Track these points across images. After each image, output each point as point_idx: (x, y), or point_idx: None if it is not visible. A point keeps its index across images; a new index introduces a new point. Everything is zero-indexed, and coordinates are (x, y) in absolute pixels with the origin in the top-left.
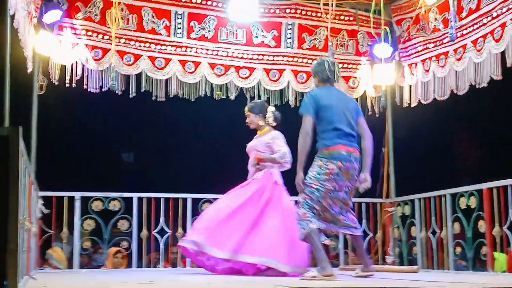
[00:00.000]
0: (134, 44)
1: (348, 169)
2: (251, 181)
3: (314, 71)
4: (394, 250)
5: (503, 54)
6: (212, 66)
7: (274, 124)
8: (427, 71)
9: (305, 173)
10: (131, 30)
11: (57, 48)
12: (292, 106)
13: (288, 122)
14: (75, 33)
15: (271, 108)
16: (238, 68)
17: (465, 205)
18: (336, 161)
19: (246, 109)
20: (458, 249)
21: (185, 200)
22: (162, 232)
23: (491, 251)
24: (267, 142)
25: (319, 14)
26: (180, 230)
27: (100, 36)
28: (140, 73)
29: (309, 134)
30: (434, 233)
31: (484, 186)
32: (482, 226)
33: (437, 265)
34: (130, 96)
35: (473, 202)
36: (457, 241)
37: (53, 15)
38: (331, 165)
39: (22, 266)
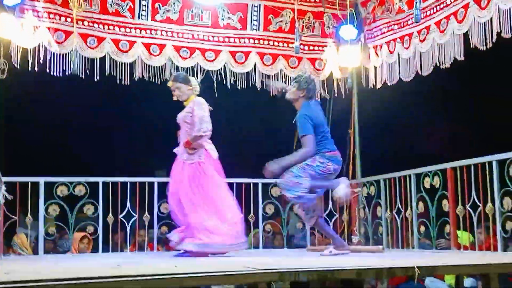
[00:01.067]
0: (98, 27)
1: (336, 171)
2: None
3: (303, 87)
4: (360, 230)
5: (466, 35)
6: (178, 48)
7: (198, 93)
8: (392, 52)
9: None
10: (94, 13)
11: (19, 31)
12: (258, 89)
13: (255, 105)
14: (37, 16)
15: (192, 77)
16: (204, 51)
17: (429, 185)
18: (334, 163)
19: (173, 81)
20: (422, 228)
21: (151, 183)
22: (128, 216)
23: (455, 230)
24: (191, 110)
25: None
26: (147, 214)
27: (63, 18)
28: (104, 56)
29: (312, 152)
30: (399, 213)
31: (448, 165)
32: (446, 205)
33: (402, 244)
34: (95, 79)
35: (437, 181)
36: (422, 220)
37: None
38: (330, 166)
39: None
